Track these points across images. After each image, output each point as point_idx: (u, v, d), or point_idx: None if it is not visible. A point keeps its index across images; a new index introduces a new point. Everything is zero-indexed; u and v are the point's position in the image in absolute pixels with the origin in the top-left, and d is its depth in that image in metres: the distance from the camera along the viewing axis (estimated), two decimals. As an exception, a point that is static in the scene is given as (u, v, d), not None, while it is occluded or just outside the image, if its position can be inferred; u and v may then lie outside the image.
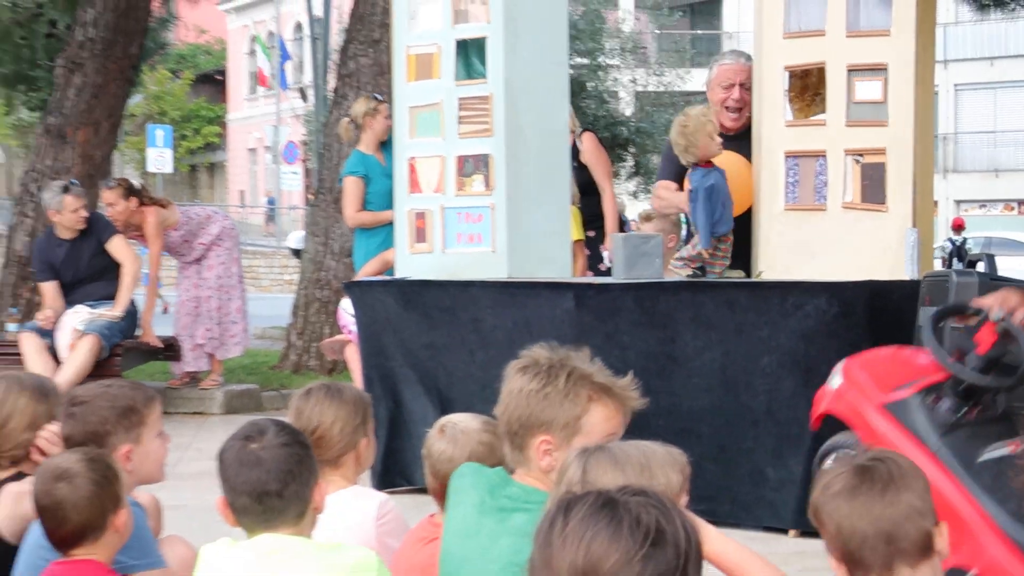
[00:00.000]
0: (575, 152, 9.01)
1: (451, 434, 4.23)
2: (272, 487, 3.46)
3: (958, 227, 26.10)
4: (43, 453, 4.40)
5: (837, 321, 6.33)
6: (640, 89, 31.81)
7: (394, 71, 8.01)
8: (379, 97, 9.97)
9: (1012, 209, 44.94)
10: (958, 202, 43.30)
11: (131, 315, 10.27)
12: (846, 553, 2.85)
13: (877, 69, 6.71)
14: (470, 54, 7.51)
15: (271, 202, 52.75)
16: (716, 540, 2.93)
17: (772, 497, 6.46)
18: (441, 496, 4.10)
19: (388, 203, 9.10)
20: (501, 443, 3.96)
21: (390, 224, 8.78)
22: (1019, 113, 44.40)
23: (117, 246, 10.26)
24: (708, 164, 6.89)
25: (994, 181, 45.33)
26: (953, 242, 23.97)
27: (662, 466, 3.04)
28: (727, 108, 7.52)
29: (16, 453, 4.26)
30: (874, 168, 6.73)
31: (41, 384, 4.42)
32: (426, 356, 7.54)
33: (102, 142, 13.71)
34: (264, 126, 53.53)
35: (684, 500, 3.02)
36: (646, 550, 2.14)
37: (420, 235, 7.74)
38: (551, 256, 7.55)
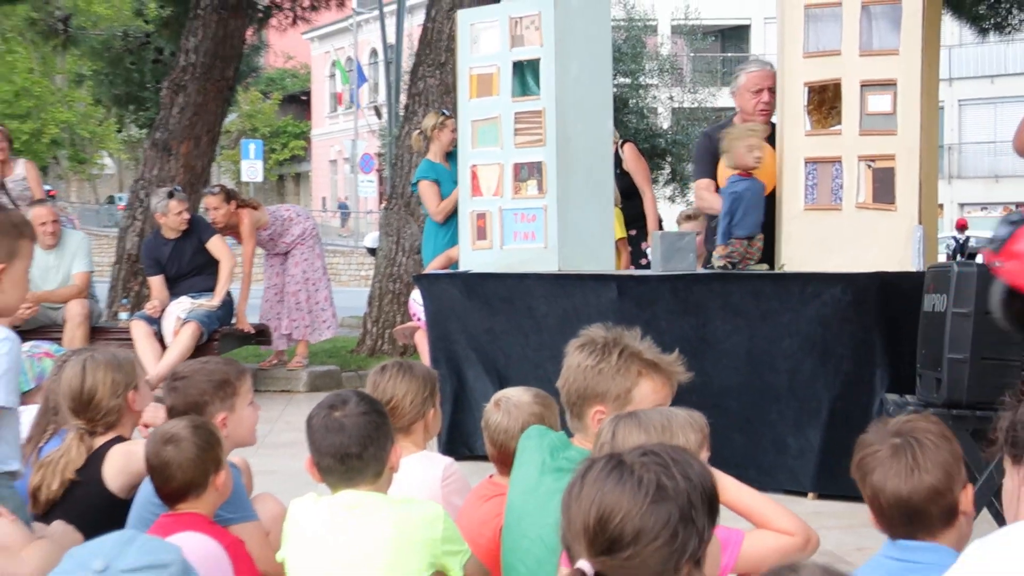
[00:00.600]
0: (618, 160, 9.03)
1: (506, 407, 4.25)
2: (353, 449, 3.49)
3: (961, 227, 25.90)
4: (146, 426, 4.48)
5: (851, 308, 6.31)
6: (676, 105, 31.71)
7: (458, 89, 8.05)
8: (446, 112, 10.00)
9: (1010, 211, 44.58)
10: (961, 205, 43.05)
11: (227, 305, 10.33)
12: (877, 513, 2.86)
13: (887, 84, 6.68)
14: (525, 74, 7.52)
15: (343, 207, 53.06)
16: (732, 490, 2.94)
17: (792, 464, 6.46)
18: (498, 460, 4.14)
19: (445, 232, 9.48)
20: (550, 414, 3.99)
21: (454, 226, 8.86)
22: (1016, 125, 43.94)
23: (215, 244, 10.35)
24: (746, 174, 6.87)
25: (994, 186, 45.14)
26: (957, 240, 23.83)
27: (682, 427, 3.07)
28: (760, 112, 7.51)
29: (109, 420, 4.27)
30: (884, 172, 6.71)
31: (114, 356, 4.42)
32: (486, 340, 7.57)
33: (202, 154, 13.83)
34: (343, 140, 53.71)
35: (704, 455, 3.04)
36: (648, 504, 2.17)
37: (481, 233, 7.77)
38: (597, 251, 7.56)
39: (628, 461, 2.25)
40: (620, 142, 9.26)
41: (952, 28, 18.76)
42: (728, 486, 2.90)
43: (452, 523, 3.54)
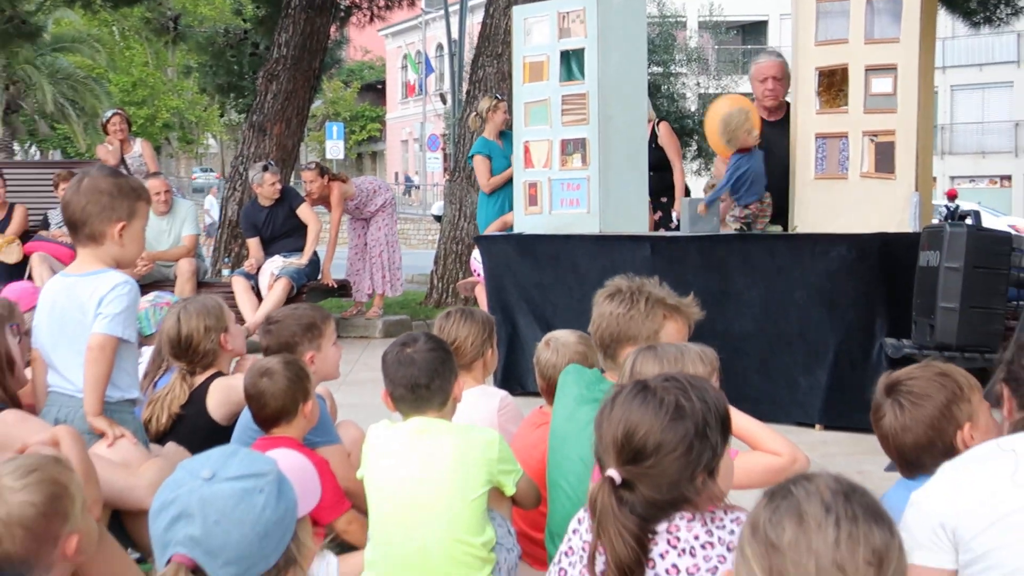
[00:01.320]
0: (653, 136, 9.01)
1: (554, 346, 4.26)
2: (422, 380, 3.51)
3: (952, 196, 25.67)
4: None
5: (855, 264, 6.27)
6: (702, 91, 31.55)
7: (513, 76, 8.04)
8: (499, 97, 10.00)
9: (995, 183, 44.63)
10: (952, 178, 42.60)
11: (314, 263, 10.37)
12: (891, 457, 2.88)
13: (889, 69, 6.63)
14: (571, 62, 7.50)
15: (408, 180, 53.33)
16: (736, 417, 2.92)
17: (802, 400, 6.45)
18: (546, 392, 4.15)
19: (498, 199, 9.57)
20: (591, 352, 3.99)
21: (508, 193, 8.89)
22: (1002, 108, 44.07)
23: (303, 211, 10.41)
24: (746, 150, 6.91)
25: (981, 161, 44.81)
26: (948, 207, 23.62)
27: (692, 360, 3.07)
28: (766, 96, 7.49)
29: (207, 360, 4.33)
30: (885, 146, 6.67)
31: (204, 304, 4.45)
32: (536, 292, 7.59)
33: (292, 135, 13.88)
34: (413, 123, 53.83)
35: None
36: (668, 421, 2.19)
37: (532, 200, 7.77)
38: (633, 215, 7.54)
39: (652, 386, 2.28)
40: (656, 120, 9.23)
41: (946, 21, 18.53)
42: (733, 414, 2.90)
43: (507, 446, 3.56)
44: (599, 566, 2.20)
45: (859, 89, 6.72)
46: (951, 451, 2.76)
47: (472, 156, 10.11)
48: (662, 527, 2.21)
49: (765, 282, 6.59)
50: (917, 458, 2.76)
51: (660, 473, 2.19)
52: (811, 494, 1.62)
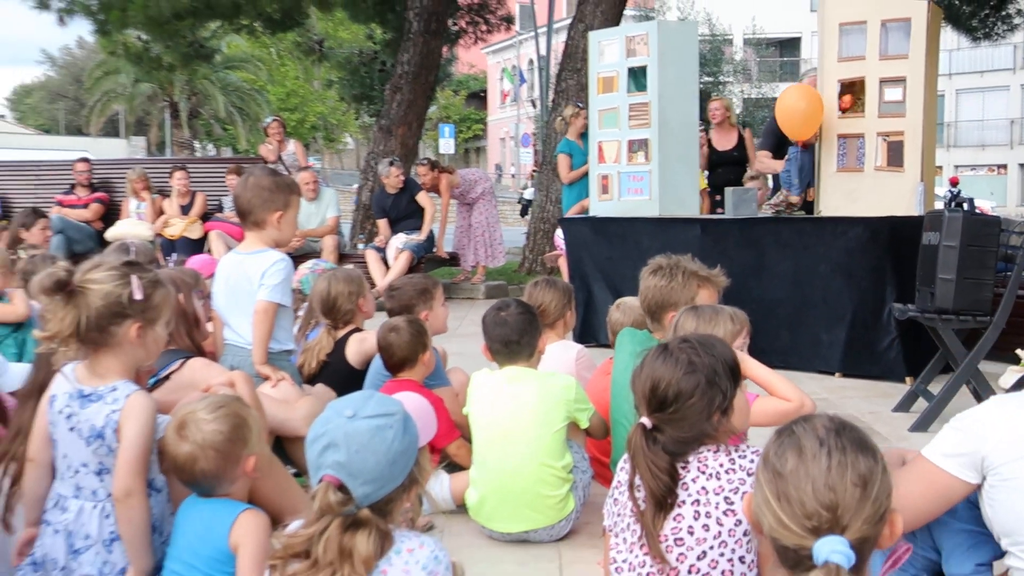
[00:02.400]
0: (740, 140, 8.97)
1: (623, 308, 4.28)
2: (513, 337, 3.56)
3: (954, 183, 24.92)
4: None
5: (869, 242, 6.17)
6: (746, 97, 31.00)
7: (589, 88, 8.00)
8: (580, 105, 9.95)
9: (993, 171, 43.44)
10: (956, 166, 41.38)
11: (430, 239, 10.43)
12: None
13: (899, 80, 6.50)
14: (637, 76, 7.44)
15: (498, 169, 53.29)
16: (753, 368, 2.91)
17: (825, 352, 6.37)
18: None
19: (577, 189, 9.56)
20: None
21: (585, 183, 8.87)
22: (1000, 108, 42.89)
23: (421, 197, 10.47)
24: (805, 146, 6.90)
25: (980, 153, 43.55)
26: (951, 192, 22.97)
27: (724, 319, 3.07)
28: None
29: (347, 318, 4.37)
30: (896, 144, 6.55)
31: (348, 274, 4.50)
32: (607, 263, 7.57)
33: (412, 135, 13.90)
34: (509, 124, 53.65)
35: (739, 341, 3.04)
36: (683, 375, 2.21)
37: (605, 189, 7.76)
38: (685, 202, 7.47)
39: (670, 348, 2.31)
40: (741, 127, 9.25)
41: (952, 36, 18.05)
42: (751, 365, 2.89)
43: (581, 390, 3.60)
44: (639, 495, 2.24)
45: (874, 97, 6.59)
46: None
47: (557, 154, 10.14)
48: (693, 458, 2.22)
49: (794, 257, 6.50)
50: None
51: (682, 417, 2.21)
52: (808, 431, 1.63)
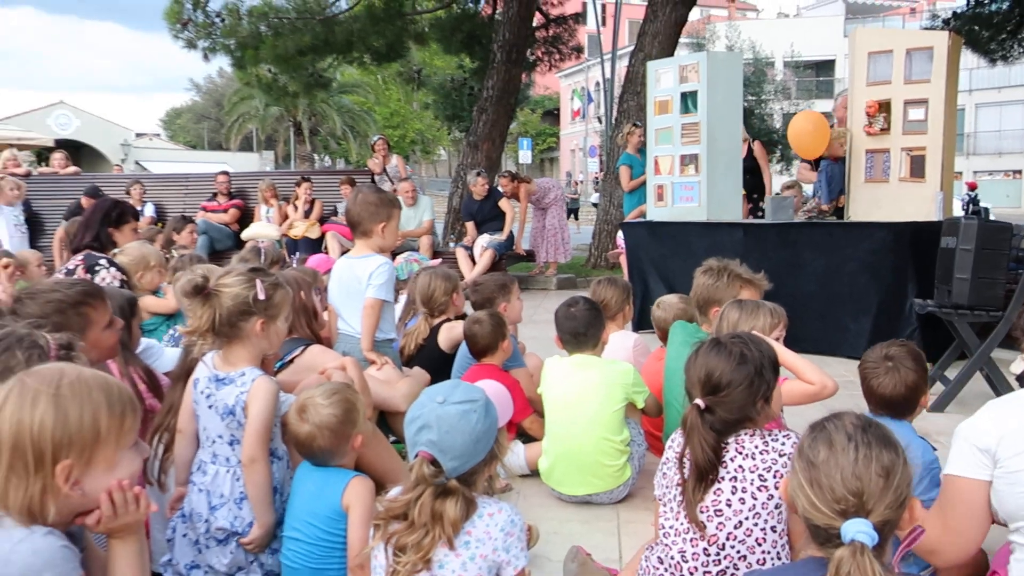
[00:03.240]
0: (749, 151, 8.79)
1: (663, 306, 4.23)
2: (581, 330, 3.56)
3: (972, 188, 23.97)
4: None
5: (893, 244, 6.02)
6: (785, 113, 30.34)
7: (647, 109, 7.90)
8: (637, 124, 9.88)
9: (1009, 176, 41.86)
10: (975, 172, 39.97)
11: (510, 239, 10.45)
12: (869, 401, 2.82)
13: (921, 102, 6.31)
14: (688, 99, 7.34)
15: (568, 175, 53.08)
16: (782, 353, 2.86)
17: (852, 340, 6.21)
18: (661, 337, 4.14)
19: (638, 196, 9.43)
20: (689, 309, 3.95)
21: (643, 191, 8.80)
22: (1016, 120, 41.35)
23: (502, 203, 10.49)
24: (835, 159, 6.75)
25: (997, 160, 41.95)
26: (969, 195, 22.15)
27: (764, 313, 3.03)
28: (844, 120, 7.15)
29: (442, 309, 4.38)
30: (918, 158, 6.36)
31: (446, 273, 4.51)
32: (661, 261, 7.50)
33: (496, 149, 13.92)
34: (579, 137, 53.35)
35: (776, 333, 2.99)
36: (735, 365, 2.20)
37: (660, 197, 7.67)
38: (730, 208, 7.35)
39: (723, 341, 2.30)
40: (751, 139, 8.99)
41: (972, 58, 17.43)
42: (781, 351, 2.85)
43: (638, 375, 3.59)
44: (686, 468, 2.24)
45: (899, 117, 6.41)
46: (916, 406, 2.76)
47: (619, 165, 10.09)
48: (732, 440, 2.22)
49: (825, 256, 6.37)
50: (899, 406, 2.73)
51: (731, 401, 2.21)
52: (839, 428, 1.63)
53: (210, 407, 2.57)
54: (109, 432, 1.54)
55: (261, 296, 2.56)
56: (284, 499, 2.57)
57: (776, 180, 18.57)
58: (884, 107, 6.49)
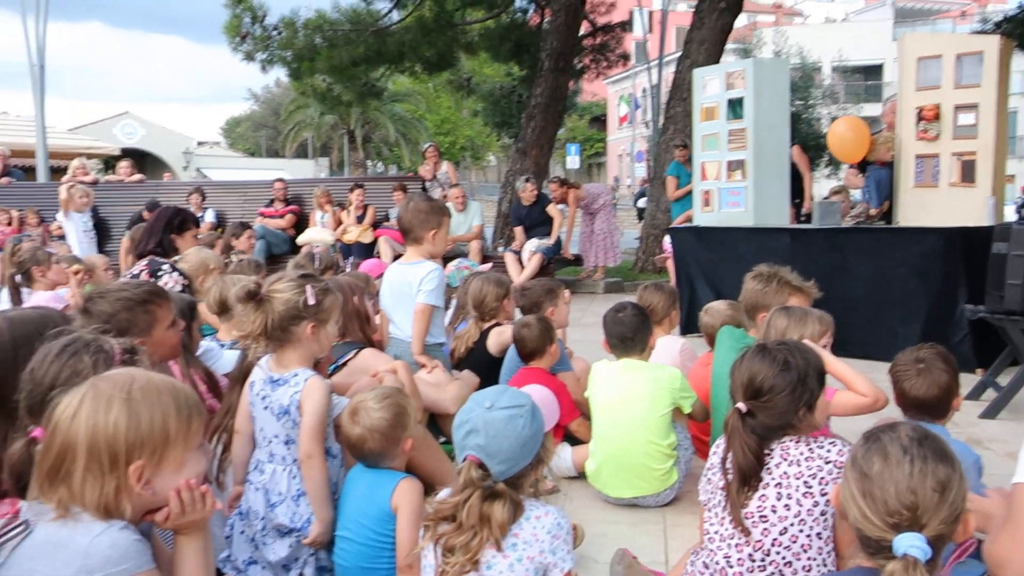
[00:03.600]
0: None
1: (711, 312, 4.16)
2: (628, 335, 3.54)
3: (1025, 191, 23.35)
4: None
5: (944, 249, 5.88)
6: (833, 117, 29.81)
7: (693, 116, 7.84)
8: (685, 144, 9.84)
9: None
10: (1027, 176, 38.94)
11: (558, 243, 10.41)
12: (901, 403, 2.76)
13: (972, 106, 6.15)
14: (735, 106, 7.27)
15: (616, 180, 52.85)
16: (833, 363, 2.80)
17: (900, 345, 5.80)
18: (709, 342, 4.08)
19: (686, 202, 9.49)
20: (737, 314, 3.91)
21: (690, 197, 8.73)
22: None
23: (551, 208, 10.46)
24: (883, 164, 6.65)
25: (1050, 164, 40.71)
26: (1022, 199, 21.54)
27: (812, 320, 2.99)
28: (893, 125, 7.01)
29: (492, 314, 4.36)
30: (968, 163, 6.21)
31: (498, 279, 4.49)
32: (708, 266, 7.43)
33: (544, 155, 13.89)
34: (626, 143, 53.04)
35: (824, 340, 2.95)
36: (779, 371, 2.16)
37: (707, 202, 7.60)
38: (777, 213, 7.27)
39: (769, 347, 2.27)
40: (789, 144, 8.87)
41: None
42: (832, 361, 2.80)
43: (685, 380, 3.56)
44: (729, 472, 2.21)
45: (949, 122, 6.26)
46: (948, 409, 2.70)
47: (667, 175, 10.09)
48: (776, 446, 2.19)
49: (874, 261, 6.24)
50: (931, 408, 2.67)
51: (773, 406, 2.18)
52: (893, 440, 1.58)
53: (266, 408, 2.61)
54: (178, 434, 1.59)
55: (311, 301, 2.60)
56: (337, 497, 2.60)
57: (824, 184, 18.29)
58: (933, 113, 6.36)
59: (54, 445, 1.52)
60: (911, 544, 1.46)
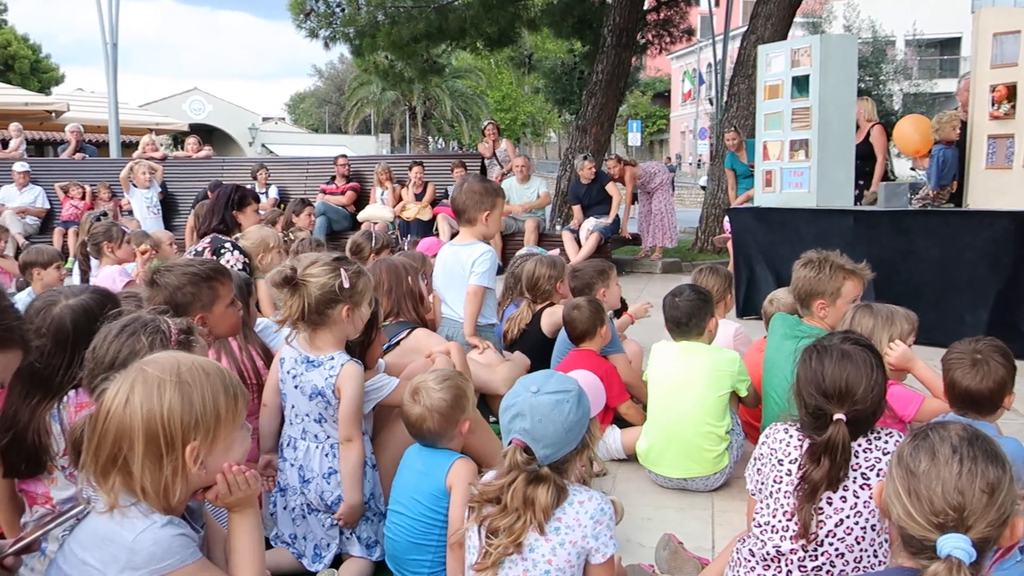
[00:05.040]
0: (867, 135, 8.43)
1: (775, 302, 4.08)
2: (683, 320, 3.53)
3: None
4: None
5: (1014, 233, 5.67)
6: (906, 93, 28.90)
7: (757, 94, 7.69)
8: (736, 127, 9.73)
9: None
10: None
11: (616, 222, 10.37)
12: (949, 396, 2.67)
13: (1050, 84, 5.90)
14: (800, 83, 7.08)
15: (679, 157, 52.06)
16: (922, 369, 2.77)
17: (968, 331, 5.63)
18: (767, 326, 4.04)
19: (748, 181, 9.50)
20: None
21: (747, 182, 8.67)
22: None
23: (609, 186, 10.42)
24: (948, 143, 6.46)
25: None
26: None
27: (900, 319, 2.95)
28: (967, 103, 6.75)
29: (545, 296, 4.38)
30: (1045, 144, 5.96)
31: (553, 260, 4.50)
32: (769, 248, 7.29)
33: (605, 132, 13.76)
34: (689, 119, 52.23)
35: (910, 340, 2.89)
36: (868, 371, 2.13)
37: (768, 182, 7.45)
38: (841, 194, 7.07)
39: (844, 350, 2.20)
40: (873, 123, 8.58)
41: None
42: (920, 367, 2.77)
43: (743, 364, 3.54)
44: (812, 475, 2.13)
45: (1025, 101, 6.01)
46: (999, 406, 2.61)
47: (725, 168, 10.42)
48: None
49: (941, 245, 6.05)
50: (981, 403, 2.58)
51: (865, 408, 2.13)
52: (943, 438, 1.54)
53: (296, 387, 2.68)
54: (228, 413, 1.63)
55: (346, 284, 2.65)
56: (373, 476, 2.66)
57: (898, 164, 17.72)
58: (1011, 91, 6.11)
59: (109, 433, 1.53)
60: (956, 545, 1.43)
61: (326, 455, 2.64)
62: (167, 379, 1.56)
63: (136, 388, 1.54)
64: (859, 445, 2.14)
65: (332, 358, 2.66)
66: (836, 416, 2.12)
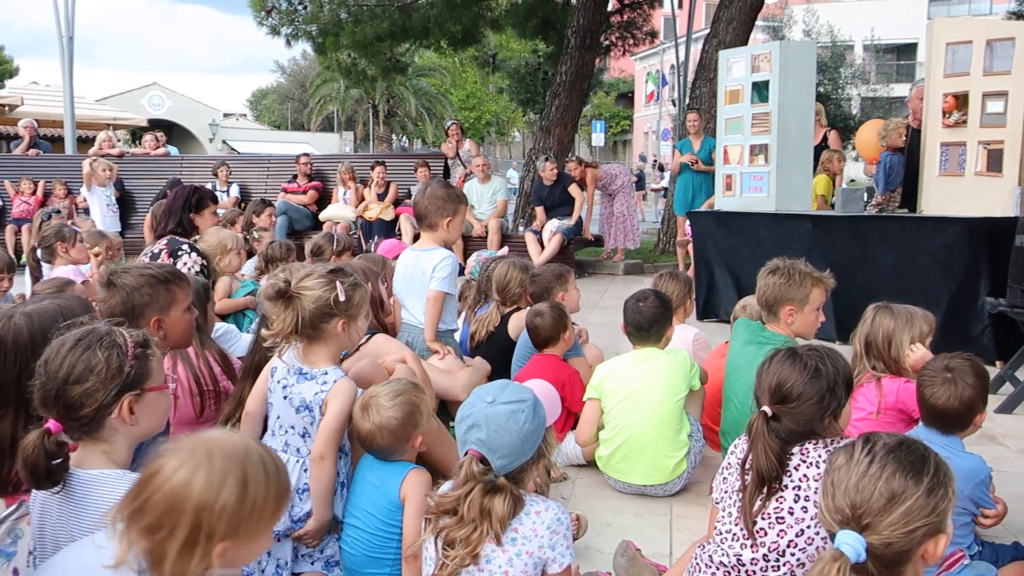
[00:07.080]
0: (825, 139, 8.56)
1: (749, 308, 4.06)
2: (645, 326, 3.55)
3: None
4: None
5: (966, 240, 5.78)
6: (863, 97, 29.34)
7: (718, 99, 7.76)
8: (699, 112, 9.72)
9: None
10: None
11: (579, 224, 10.39)
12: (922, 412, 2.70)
13: (1001, 94, 6.02)
14: (760, 89, 7.17)
15: (642, 158, 52.39)
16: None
17: None
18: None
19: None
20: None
21: (694, 176, 9.05)
22: None
23: (572, 189, 10.44)
24: (895, 150, 6.55)
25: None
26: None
27: (920, 320, 3.01)
28: (918, 110, 6.90)
29: (514, 299, 4.39)
30: (995, 151, 6.08)
31: (525, 265, 4.50)
32: (728, 252, 7.37)
33: (568, 133, 13.74)
34: (652, 120, 52.53)
35: (928, 340, 2.94)
36: (808, 378, 2.16)
37: (728, 187, 7.54)
38: (799, 199, 7.17)
39: (799, 352, 2.25)
40: (829, 128, 8.78)
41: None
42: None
43: (695, 362, 3.57)
44: (748, 476, 2.21)
45: (976, 109, 6.13)
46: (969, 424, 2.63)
47: (674, 147, 10.53)
48: (797, 449, 2.19)
49: (896, 250, 6.16)
50: (952, 420, 2.61)
51: (799, 413, 2.17)
52: (868, 443, 1.60)
53: (285, 398, 2.62)
54: (272, 519, 1.53)
55: (342, 298, 2.59)
56: (346, 494, 2.62)
57: (853, 168, 17.96)
58: (961, 101, 6.25)
59: (158, 505, 1.43)
60: (846, 540, 1.50)
61: (304, 470, 2.58)
62: (231, 471, 1.46)
63: (199, 473, 1.44)
64: (819, 456, 2.17)
65: (326, 373, 2.60)
66: (762, 408, 2.20)
